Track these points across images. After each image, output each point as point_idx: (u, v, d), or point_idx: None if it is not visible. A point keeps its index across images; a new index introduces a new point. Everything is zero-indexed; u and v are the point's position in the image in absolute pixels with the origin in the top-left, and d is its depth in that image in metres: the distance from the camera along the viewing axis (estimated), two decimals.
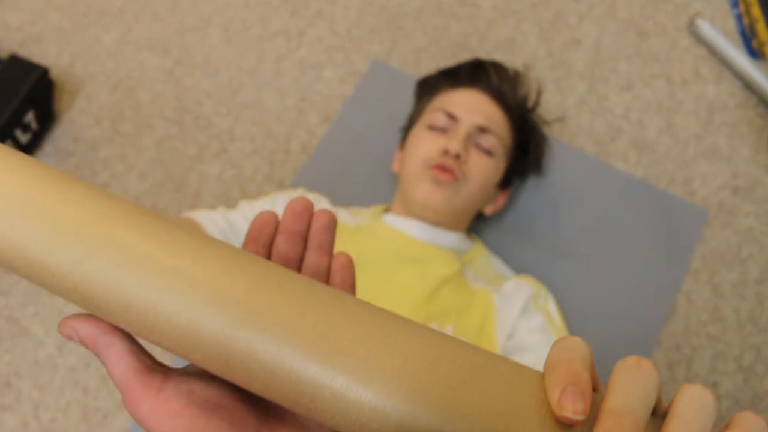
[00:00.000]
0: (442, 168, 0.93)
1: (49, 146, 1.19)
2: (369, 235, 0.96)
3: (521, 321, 0.92)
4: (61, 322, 0.32)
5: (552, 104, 1.22)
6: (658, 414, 0.28)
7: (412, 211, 0.97)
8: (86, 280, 0.30)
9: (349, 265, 0.39)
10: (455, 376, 0.28)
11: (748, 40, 1.27)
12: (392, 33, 1.28)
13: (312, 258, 0.39)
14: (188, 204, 1.15)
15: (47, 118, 1.18)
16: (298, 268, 0.39)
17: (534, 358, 0.88)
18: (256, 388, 0.29)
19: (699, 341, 1.10)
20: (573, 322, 1.08)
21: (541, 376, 0.29)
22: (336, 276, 0.39)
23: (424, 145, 0.97)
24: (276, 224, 0.39)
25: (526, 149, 1.06)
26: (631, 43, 1.27)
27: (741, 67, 1.23)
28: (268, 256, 0.39)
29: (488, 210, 1.06)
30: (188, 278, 0.30)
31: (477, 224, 1.12)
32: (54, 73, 1.22)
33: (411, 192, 0.96)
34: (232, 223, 0.92)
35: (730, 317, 1.10)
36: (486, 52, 1.26)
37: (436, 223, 0.97)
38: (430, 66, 1.23)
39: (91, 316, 0.32)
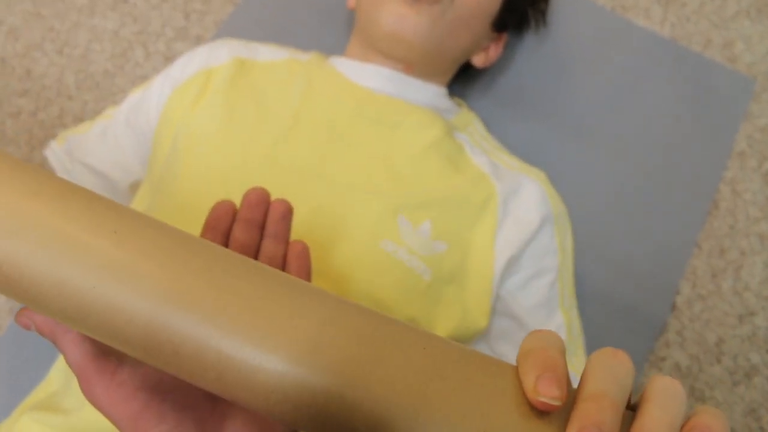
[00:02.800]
0: None
1: None
2: (310, 86, 0.70)
3: (529, 261, 0.70)
4: (18, 313, 0.33)
5: None
6: (629, 408, 0.29)
7: (377, 50, 0.71)
8: (9, 259, 0.29)
9: (305, 253, 0.41)
10: (377, 349, 0.28)
11: None
12: None
13: (269, 246, 0.41)
14: (73, 69, 0.87)
15: None
16: (255, 256, 0.42)
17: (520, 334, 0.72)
18: (158, 364, 0.29)
19: (749, 243, 0.87)
20: (586, 224, 0.84)
21: (504, 364, 0.29)
22: (291, 264, 0.41)
23: None
24: (234, 213, 0.42)
25: None
26: None
27: None
28: (226, 244, 0.42)
29: (478, 60, 0.80)
30: (102, 256, 0.29)
31: (460, 88, 0.86)
32: None
33: (374, 18, 0.69)
34: (110, 172, 0.75)
35: None
36: None
37: (409, 67, 0.72)
38: None
39: None
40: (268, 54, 0.74)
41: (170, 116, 0.70)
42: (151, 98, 0.72)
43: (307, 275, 0.40)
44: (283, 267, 0.41)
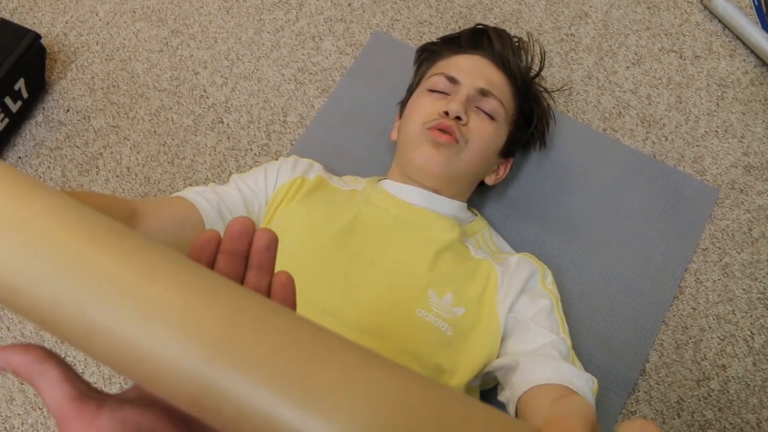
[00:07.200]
0: (442, 129, 0.89)
1: (40, 115, 1.16)
2: (365, 200, 0.93)
3: (525, 299, 0.88)
4: None
5: (558, 78, 1.18)
6: None
7: (411, 177, 0.93)
8: (49, 301, 0.28)
9: (290, 283, 0.39)
10: (438, 424, 0.27)
11: (764, 14, 1.23)
12: (395, 4, 1.25)
13: (253, 277, 0.38)
14: (182, 176, 1.12)
15: (39, 87, 1.15)
16: None
17: (535, 341, 0.83)
18: (227, 429, 0.28)
19: (707, 322, 1.06)
20: (577, 302, 1.04)
21: (527, 426, 0.29)
22: (276, 295, 0.39)
23: (424, 107, 0.93)
24: (218, 243, 0.38)
25: (529, 119, 1.02)
26: (641, 17, 1.23)
27: (756, 43, 1.19)
28: None
29: (489, 180, 1.02)
30: (159, 305, 0.28)
31: (478, 198, 1.08)
32: (47, 42, 1.19)
33: (409, 156, 0.92)
34: (223, 196, 0.89)
35: (741, 298, 1.07)
36: (491, 24, 1.22)
37: (436, 190, 0.94)
38: (432, 38, 1.19)
39: (24, 346, 0.32)
40: (337, 183, 0.99)
41: (277, 196, 0.94)
42: (268, 177, 0.96)
43: (291, 306, 0.39)
44: (268, 297, 0.39)
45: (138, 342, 0.28)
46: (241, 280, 0.39)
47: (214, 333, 0.28)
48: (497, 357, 0.85)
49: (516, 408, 0.76)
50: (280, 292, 0.39)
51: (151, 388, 0.29)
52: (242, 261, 0.38)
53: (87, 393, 0.31)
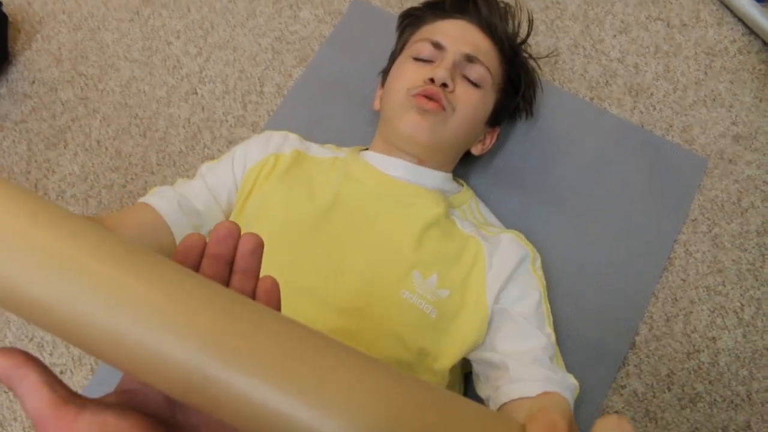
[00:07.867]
0: (428, 96, 0.85)
1: (3, 88, 1.10)
2: (347, 174, 0.89)
3: (515, 287, 0.85)
4: None
5: (544, 47, 1.15)
6: None
7: (396, 146, 0.90)
8: (77, 318, 0.30)
9: (275, 288, 0.39)
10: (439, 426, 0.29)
11: None
12: None
13: (237, 282, 0.38)
14: (155, 149, 1.08)
15: (1, 58, 1.10)
16: None
17: (524, 342, 0.81)
18: (247, 430, 0.30)
19: (697, 294, 1.04)
20: (564, 275, 1.01)
21: (516, 424, 0.30)
22: (260, 300, 0.39)
23: (408, 74, 0.89)
24: (202, 248, 0.38)
25: (517, 86, 0.99)
26: None
27: (744, 11, 1.17)
28: None
29: (476, 150, 0.99)
30: (153, 307, 0.30)
31: (463, 169, 1.05)
32: (9, 11, 1.13)
33: (394, 124, 0.88)
34: (185, 190, 0.88)
35: (730, 269, 1.05)
36: None
37: (421, 161, 0.90)
38: (413, 4, 1.15)
39: (4, 350, 0.32)
40: (317, 151, 0.95)
41: (249, 178, 0.90)
42: (236, 162, 0.92)
43: (276, 310, 0.38)
44: None
45: (144, 345, 0.30)
46: (226, 285, 0.38)
47: (229, 344, 0.29)
48: (482, 343, 0.83)
49: (499, 410, 0.74)
50: (265, 297, 0.38)
51: (181, 398, 0.30)
52: (227, 265, 0.38)
53: (67, 397, 0.31)
